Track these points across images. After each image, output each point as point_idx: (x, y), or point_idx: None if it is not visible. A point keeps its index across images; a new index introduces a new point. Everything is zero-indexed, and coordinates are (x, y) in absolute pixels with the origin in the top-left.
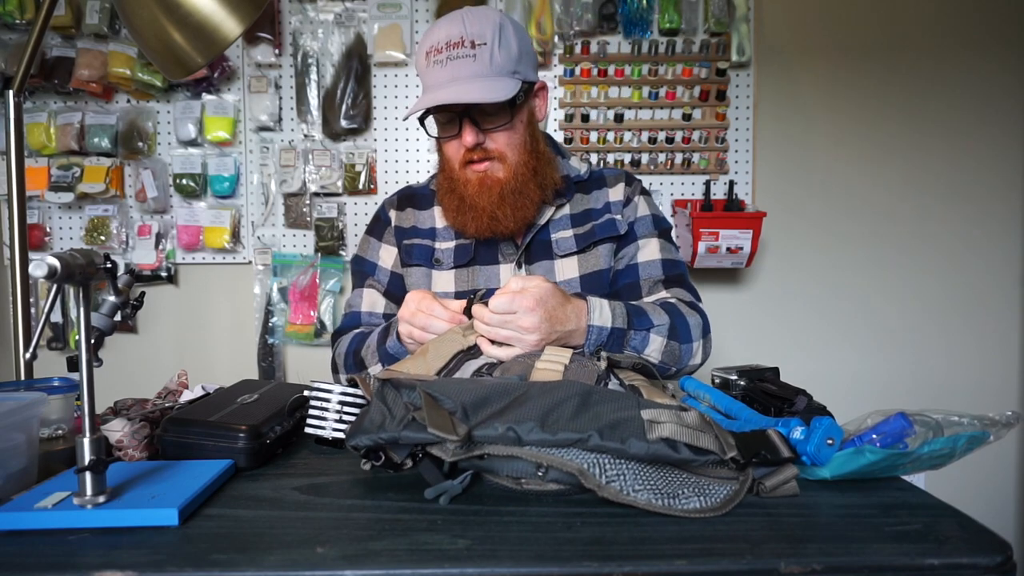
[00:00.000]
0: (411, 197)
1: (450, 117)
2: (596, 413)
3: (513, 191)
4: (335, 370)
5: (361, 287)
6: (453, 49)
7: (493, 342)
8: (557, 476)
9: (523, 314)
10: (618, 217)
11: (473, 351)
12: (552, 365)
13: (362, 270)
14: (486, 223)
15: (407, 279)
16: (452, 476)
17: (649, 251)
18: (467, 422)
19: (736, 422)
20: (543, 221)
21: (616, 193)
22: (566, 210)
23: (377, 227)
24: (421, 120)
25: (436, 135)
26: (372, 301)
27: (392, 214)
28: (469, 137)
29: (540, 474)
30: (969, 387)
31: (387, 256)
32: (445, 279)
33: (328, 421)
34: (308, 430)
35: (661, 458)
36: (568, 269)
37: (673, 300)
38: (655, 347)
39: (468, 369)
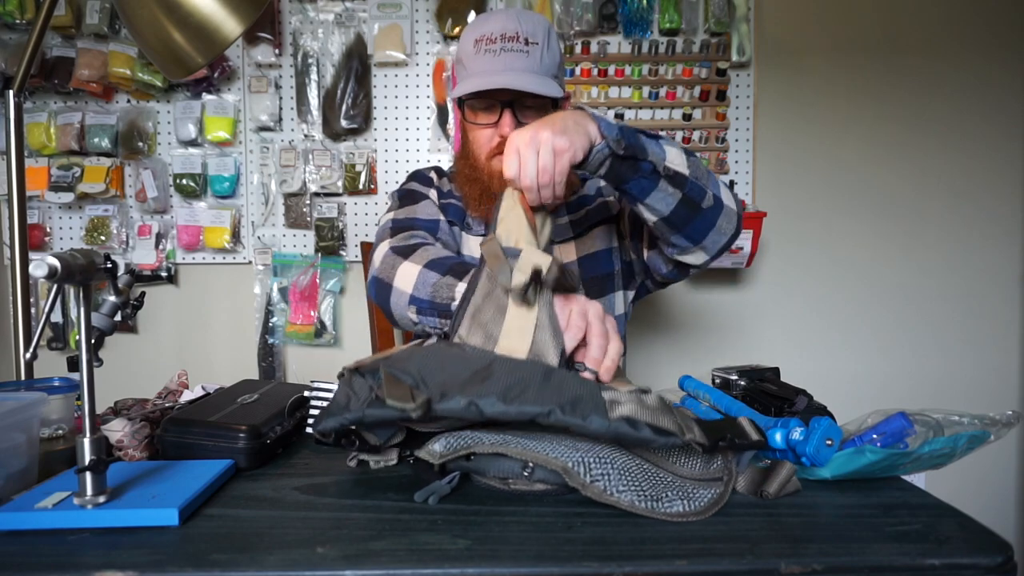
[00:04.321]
0: (442, 172)
1: (490, 105)
2: (558, 387)
3: None
4: (403, 253)
5: (429, 203)
6: (508, 42)
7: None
8: (543, 476)
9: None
10: (610, 199)
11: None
12: (521, 322)
13: (420, 194)
14: None
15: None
16: (443, 477)
17: None
18: (427, 392)
19: None
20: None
21: None
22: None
23: (420, 179)
24: (460, 104)
25: (472, 120)
26: (433, 214)
27: (433, 175)
28: (508, 128)
29: (526, 473)
30: (969, 387)
31: (433, 203)
32: (473, 244)
33: None
34: (310, 430)
35: (622, 436)
36: (566, 254)
37: None
38: (675, 155)
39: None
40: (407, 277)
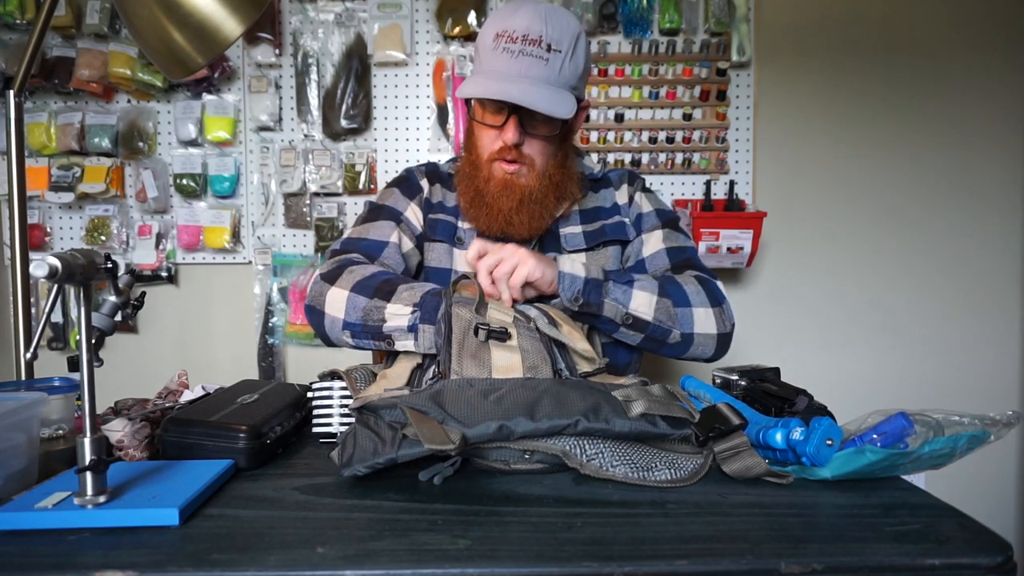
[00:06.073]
0: (437, 174)
1: (499, 107)
2: (574, 397)
3: (533, 200)
4: (330, 279)
5: (389, 222)
6: (529, 45)
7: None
8: (542, 458)
9: (511, 251)
10: (627, 220)
11: (425, 363)
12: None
13: (390, 209)
14: (499, 225)
15: (427, 254)
16: (445, 459)
17: (653, 243)
18: (458, 426)
19: None
20: (556, 215)
21: (622, 195)
22: (575, 207)
23: (407, 187)
24: (467, 99)
25: (478, 119)
26: (401, 241)
27: (424, 183)
28: (512, 135)
29: (527, 456)
30: (969, 386)
31: (414, 218)
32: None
33: (334, 417)
34: (316, 429)
35: (644, 433)
36: (575, 268)
37: (670, 275)
38: (642, 302)
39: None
40: (336, 303)
